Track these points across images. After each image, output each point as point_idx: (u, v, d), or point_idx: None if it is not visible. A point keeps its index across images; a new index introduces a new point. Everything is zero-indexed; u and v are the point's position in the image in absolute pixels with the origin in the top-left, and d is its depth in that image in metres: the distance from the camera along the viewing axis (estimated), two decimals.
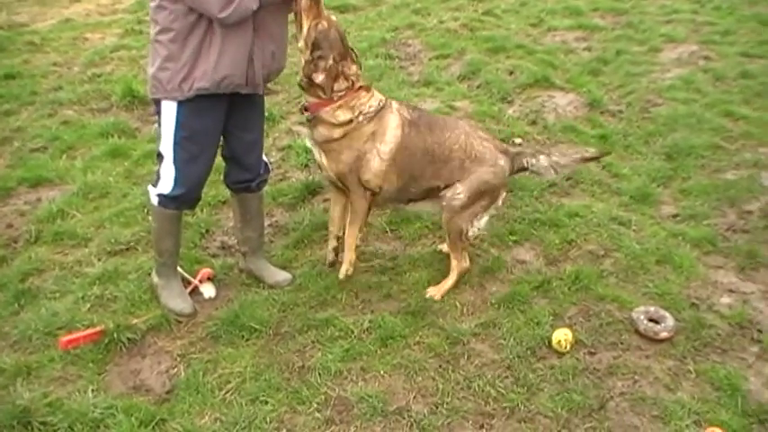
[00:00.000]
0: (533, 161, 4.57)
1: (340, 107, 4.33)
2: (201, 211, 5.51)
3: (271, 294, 4.63)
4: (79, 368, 4.09)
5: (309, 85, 4.36)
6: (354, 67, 4.38)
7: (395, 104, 4.53)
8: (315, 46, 4.26)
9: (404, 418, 3.72)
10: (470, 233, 4.55)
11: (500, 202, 4.65)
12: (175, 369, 4.10)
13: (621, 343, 4.21)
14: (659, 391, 3.87)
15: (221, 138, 4.38)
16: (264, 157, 4.70)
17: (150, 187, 4.37)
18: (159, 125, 4.17)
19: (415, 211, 5.01)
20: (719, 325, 4.34)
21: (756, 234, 5.17)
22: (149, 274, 4.67)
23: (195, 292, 4.68)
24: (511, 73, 7.77)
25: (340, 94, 4.32)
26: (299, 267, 4.94)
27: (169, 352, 4.23)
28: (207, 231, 5.36)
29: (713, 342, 4.23)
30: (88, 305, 4.55)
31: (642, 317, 4.29)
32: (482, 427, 3.70)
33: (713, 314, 4.44)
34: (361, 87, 4.41)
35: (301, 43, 4.32)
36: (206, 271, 4.80)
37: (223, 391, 3.91)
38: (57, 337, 4.27)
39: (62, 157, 6.37)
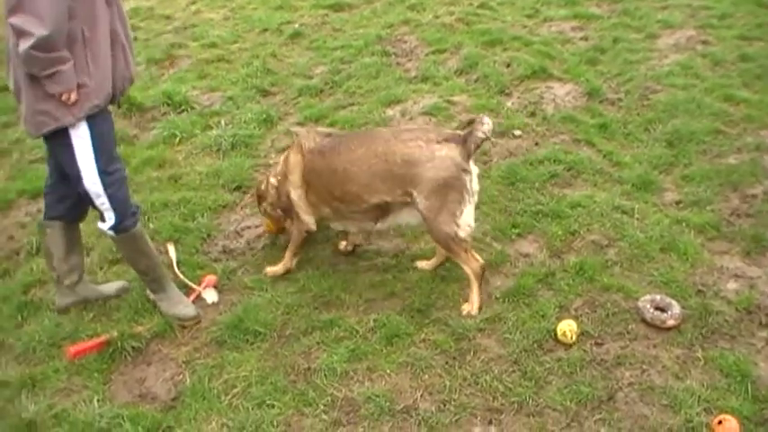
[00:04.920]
0: (486, 128, 4.28)
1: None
2: (202, 215, 5.50)
3: (274, 297, 4.61)
4: (84, 378, 4.08)
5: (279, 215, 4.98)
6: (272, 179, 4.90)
7: (298, 139, 4.76)
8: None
9: (411, 417, 3.70)
10: (461, 234, 4.35)
11: (475, 186, 4.39)
12: (180, 376, 4.09)
13: (628, 333, 4.18)
14: (668, 380, 3.84)
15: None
16: None
17: (99, 224, 4.31)
18: (67, 164, 4.06)
19: (396, 227, 4.92)
20: (726, 311, 4.30)
21: (761, 218, 5.13)
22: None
23: (198, 298, 4.66)
24: (508, 65, 7.73)
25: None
26: (302, 269, 4.92)
27: (174, 359, 4.22)
28: (208, 236, 5.34)
29: (721, 328, 4.19)
30: (91, 315, 4.55)
31: (648, 305, 4.27)
32: (491, 422, 3.68)
33: (720, 300, 4.40)
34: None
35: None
36: (210, 278, 4.79)
37: (229, 396, 3.89)
38: (61, 348, 4.28)
39: None
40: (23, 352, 4.30)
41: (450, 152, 4.29)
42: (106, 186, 4.08)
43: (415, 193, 4.32)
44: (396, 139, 4.41)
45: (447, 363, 4.04)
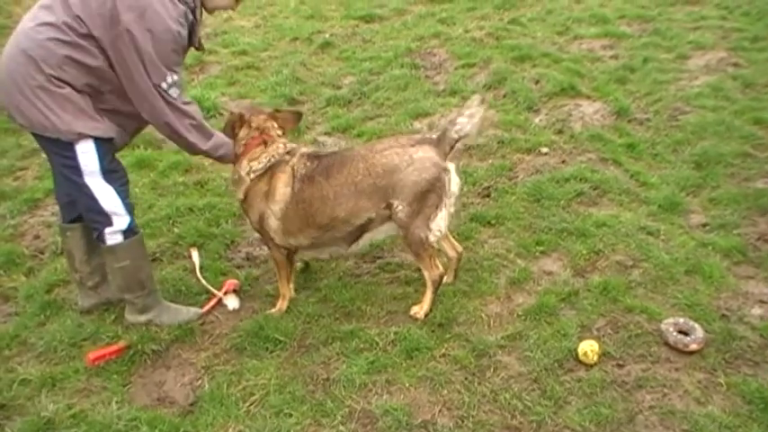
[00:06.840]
0: (458, 128, 4.27)
1: (248, 159, 4.49)
2: (227, 222, 5.52)
3: (295, 306, 4.61)
4: (103, 380, 4.09)
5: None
6: (262, 118, 4.54)
7: (294, 160, 4.47)
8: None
9: None
10: (431, 238, 4.35)
11: (453, 188, 4.35)
12: (199, 381, 4.10)
13: (650, 355, 4.14)
14: (689, 405, 3.79)
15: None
16: None
17: (106, 232, 4.18)
18: (69, 169, 4.03)
19: (372, 242, 4.77)
20: (751, 337, 4.25)
21: None
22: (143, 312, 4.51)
23: (220, 304, 4.67)
24: (537, 82, 7.72)
25: (242, 142, 4.49)
26: (324, 278, 4.93)
27: (193, 364, 4.22)
28: (232, 242, 5.36)
29: (744, 354, 4.14)
30: (113, 317, 4.57)
31: (671, 328, 4.22)
32: None
33: (744, 325, 4.35)
34: (264, 142, 4.50)
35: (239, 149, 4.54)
36: (231, 282, 4.79)
37: (247, 404, 3.89)
38: (82, 348, 4.30)
39: None
40: (45, 351, 4.32)
41: (427, 153, 4.29)
42: (112, 182, 4.09)
43: (395, 203, 4.28)
44: (372, 152, 4.38)
45: (466, 379, 4.02)
